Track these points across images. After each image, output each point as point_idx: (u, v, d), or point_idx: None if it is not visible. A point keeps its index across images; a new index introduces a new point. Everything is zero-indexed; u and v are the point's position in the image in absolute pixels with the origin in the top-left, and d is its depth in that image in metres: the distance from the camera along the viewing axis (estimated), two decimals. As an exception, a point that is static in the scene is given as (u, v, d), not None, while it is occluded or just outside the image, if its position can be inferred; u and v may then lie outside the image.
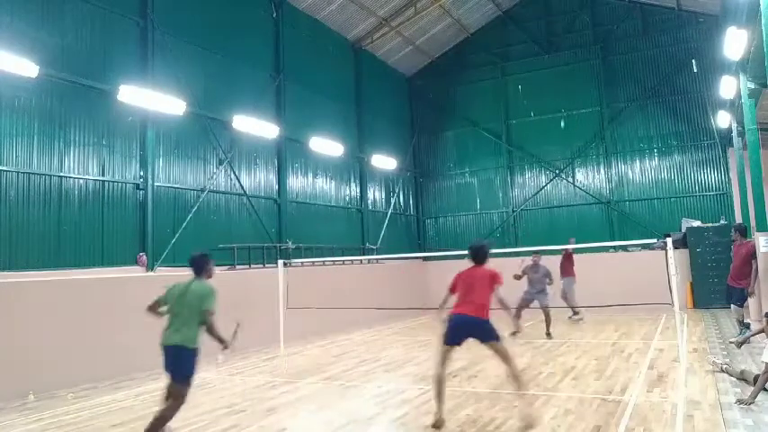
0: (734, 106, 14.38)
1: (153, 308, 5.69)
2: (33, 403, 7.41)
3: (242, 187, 13.48)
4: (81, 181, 10.08)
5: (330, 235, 16.24)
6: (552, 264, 13.89)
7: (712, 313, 14.01)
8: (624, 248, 16.90)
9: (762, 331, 7.45)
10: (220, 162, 13.01)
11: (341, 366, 9.18)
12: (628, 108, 18.43)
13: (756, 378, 6.06)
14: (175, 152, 12.01)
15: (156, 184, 11.34)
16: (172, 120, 11.66)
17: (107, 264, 10.22)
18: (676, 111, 17.93)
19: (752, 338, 8.22)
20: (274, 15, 15.08)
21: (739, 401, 5.82)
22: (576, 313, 14.11)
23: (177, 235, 11.52)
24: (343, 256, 16.33)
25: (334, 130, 16.73)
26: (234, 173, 13.35)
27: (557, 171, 19.24)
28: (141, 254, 10.83)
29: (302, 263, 13.68)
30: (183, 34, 12.28)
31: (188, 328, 5.38)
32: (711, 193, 17.25)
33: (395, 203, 19.94)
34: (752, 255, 9.52)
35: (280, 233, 14.45)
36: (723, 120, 15.73)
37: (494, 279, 5.75)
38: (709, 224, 16.20)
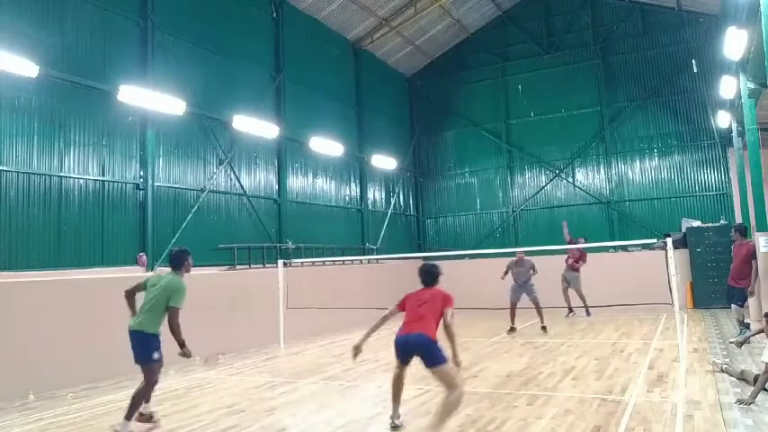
0: (734, 106, 14.38)
1: (128, 293, 6.05)
2: (33, 403, 7.40)
3: (242, 187, 13.48)
4: (81, 181, 10.08)
5: (330, 235, 16.24)
6: (552, 263, 13.93)
7: (712, 313, 14.01)
8: (624, 248, 16.90)
9: (761, 331, 7.45)
10: (220, 162, 13.01)
11: (341, 366, 9.18)
12: (628, 108, 18.43)
13: (756, 378, 6.06)
14: (175, 152, 12.01)
15: (156, 184, 11.34)
16: (172, 120, 11.67)
17: (107, 264, 10.23)
18: (676, 111, 17.93)
19: (752, 338, 8.22)
20: (274, 15, 15.09)
21: (739, 401, 5.82)
22: (570, 311, 14.22)
23: (177, 235, 11.52)
24: (343, 256, 16.33)
25: (334, 130, 16.73)
26: (234, 173, 13.35)
27: (557, 171, 19.24)
28: (141, 254, 10.83)
29: (302, 263, 13.69)
30: (183, 34, 12.29)
31: (151, 315, 5.76)
32: (711, 193, 17.25)
33: (395, 203, 19.94)
34: (752, 255, 9.52)
35: (280, 233, 14.45)
36: (723, 120, 15.73)
37: (445, 301, 5.41)
38: (710, 224, 16.19)
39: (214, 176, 12.79)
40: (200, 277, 9.85)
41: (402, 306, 5.60)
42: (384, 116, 19.81)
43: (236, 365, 9.56)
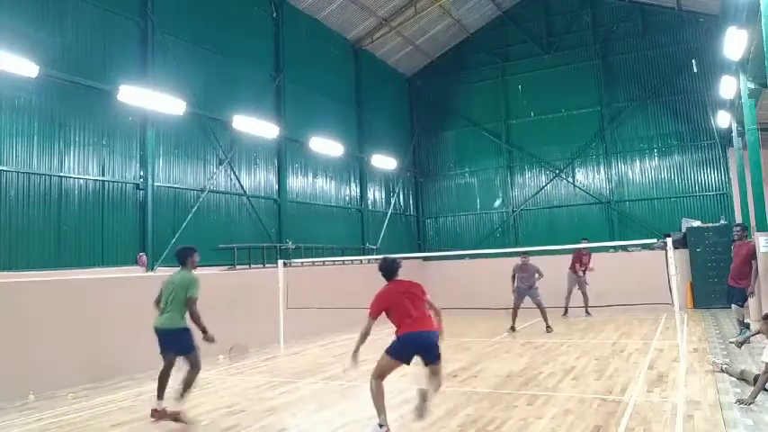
0: (734, 106, 14.37)
1: (158, 302, 6.50)
2: (33, 403, 7.40)
3: (242, 187, 13.48)
4: (81, 181, 10.08)
5: (330, 235, 16.24)
6: (551, 263, 13.94)
7: (712, 313, 14.01)
8: (624, 248, 16.89)
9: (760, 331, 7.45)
10: (220, 162, 13.01)
11: (341, 366, 9.17)
12: (628, 108, 18.42)
13: (756, 378, 6.06)
14: (175, 152, 12.01)
15: (156, 184, 11.34)
16: (172, 120, 11.66)
17: (107, 264, 10.23)
18: (676, 111, 17.93)
19: (752, 338, 8.21)
20: (274, 15, 15.08)
21: (739, 401, 5.82)
22: (565, 312, 14.29)
23: (177, 235, 11.52)
24: (343, 256, 16.32)
25: (334, 130, 16.73)
26: (234, 173, 13.35)
27: (557, 171, 19.23)
28: (141, 254, 10.82)
29: (302, 263, 13.69)
30: (183, 34, 12.28)
31: (174, 313, 6.24)
32: (711, 193, 17.25)
33: (395, 203, 19.93)
34: (752, 255, 9.52)
35: (280, 233, 14.45)
36: (723, 120, 15.73)
37: (423, 292, 5.42)
38: (710, 224, 16.19)
39: (214, 176, 12.79)
40: (200, 277, 9.82)
41: (378, 312, 5.32)
42: (384, 116, 19.81)
43: (236, 365, 9.55)
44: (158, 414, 6.19)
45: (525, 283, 12.26)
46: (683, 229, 16.31)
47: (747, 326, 9.76)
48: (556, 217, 19.16)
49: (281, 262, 12.16)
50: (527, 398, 6.57)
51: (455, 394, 6.83)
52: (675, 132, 17.91)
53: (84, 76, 10.16)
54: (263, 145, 14.24)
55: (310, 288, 12.76)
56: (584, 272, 14.52)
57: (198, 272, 6.66)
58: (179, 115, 11.64)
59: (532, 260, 12.49)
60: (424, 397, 5.23)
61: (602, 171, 18.72)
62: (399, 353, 5.26)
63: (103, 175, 10.47)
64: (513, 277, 12.49)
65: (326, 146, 16.00)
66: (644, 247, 15.77)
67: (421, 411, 5.22)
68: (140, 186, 11.09)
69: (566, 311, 14.40)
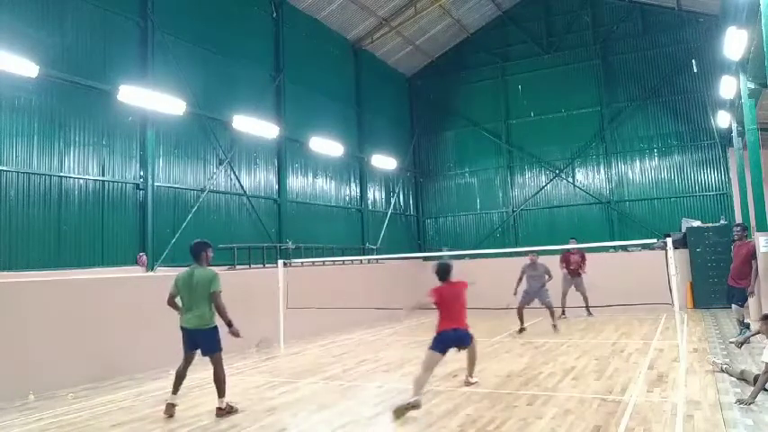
0: (734, 106, 14.38)
1: (171, 302, 6.49)
2: (33, 403, 7.40)
3: (242, 187, 13.48)
4: (81, 181, 10.08)
5: (330, 235, 16.24)
6: (551, 263, 13.93)
7: (712, 313, 14.00)
8: (624, 248, 16.89)
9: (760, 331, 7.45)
10: (220, 162, 13.02)
11: (341, 366, 9.18)
12: (628, 108, 18.43)
13: (756, 378, 6.06)
14: (175, 152, 12.01)
15: (156, 184, 11.35)
16: (172, 120, 11.67)
17: (107, 264, 10.23)
18: (676, 111, 17.93)
19: (752, 338, 8.21)
20: (274, 15, 15.09)
21: (739, 401, 5.82)
22: (562, 312, 14.27)
23: (177, 235, 11.52)
24: (343, 256, 16.32)
25: (334, 130, 16.73)
26: (234, 173, 13.35)
27: (557, 171, 19.24)
28: (141, 254, 10.83)
29: (302, 263, 13.68)
30: (182, 34, 12.29)
31: (201, 311, 6.27)
32: (711, 193, 17.25)
33: (395, 203, 19.94)
34: (752, 255, 9.52)
35: (280, 233, 14.45)
36: (723, 120, 15.73)
37: (464, 288, 6.82)
38: (710, 224, 16.18)
39: (214, 176, 12.79)
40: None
41: (438, 300, 6.59)
42: (384, 116, 19.81)
43: (236, 365, 9.55)
44: (170, 409, 6.41)
45: (536, 282, 11.81)
46: (683, 229, 16.31)
47: (747, 326, 9.75)
48: (556, 217, 19.17)
49: (280, 262, 12.16)
50: (527, 398, 6.57)
51: (455, 394, 6.83)
52: (675, 132, 17.92)
53: (84, 76, 10.16)
54: (263, 145, 14.24)
55: (310, 288, 12.76)
56: (578, 273, 14.32)
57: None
58: (179, 115, 11.65)
59: (545, 263, 12.24)
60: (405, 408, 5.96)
61: (602, 171, 18.72)
62: (438, 346, 6.46)
63: (103, 175, 10.48)
64: (521, 278, 12.05)
65: (326, 146, 16.01)
66: (644, 247, 15.77)
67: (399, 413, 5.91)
68: (140, 186, 11.10)
69: (563, 312, 14.36)
